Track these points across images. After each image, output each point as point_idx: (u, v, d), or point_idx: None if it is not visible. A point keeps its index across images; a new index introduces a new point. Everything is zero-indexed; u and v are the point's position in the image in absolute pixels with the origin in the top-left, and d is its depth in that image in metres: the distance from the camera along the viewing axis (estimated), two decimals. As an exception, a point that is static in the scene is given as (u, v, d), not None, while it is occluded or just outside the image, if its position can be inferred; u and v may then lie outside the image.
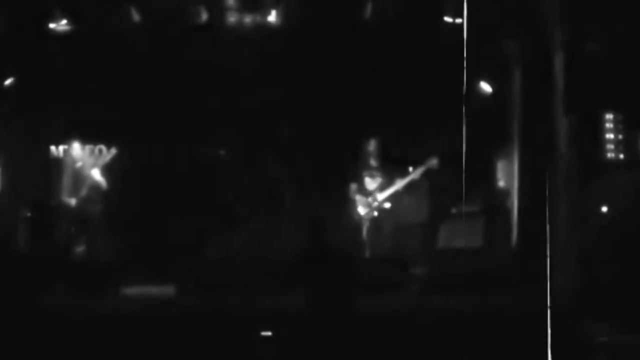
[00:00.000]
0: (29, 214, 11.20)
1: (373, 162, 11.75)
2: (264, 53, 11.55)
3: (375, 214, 11.61)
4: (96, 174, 11.60)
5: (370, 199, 11.64)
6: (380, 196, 11.65)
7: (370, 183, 11.70)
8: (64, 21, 11.02)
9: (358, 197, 11.67)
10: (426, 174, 11.65)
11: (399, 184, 11.68)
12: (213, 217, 11.72)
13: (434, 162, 11.59)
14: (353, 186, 11.69)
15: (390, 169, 11.75)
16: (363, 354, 8.65)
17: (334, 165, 11.90)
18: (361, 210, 11.64)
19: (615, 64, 10.33)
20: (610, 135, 10.56)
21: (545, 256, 10.65)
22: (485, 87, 11.67)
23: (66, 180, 11.47)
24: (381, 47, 11.34)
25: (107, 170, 11.67)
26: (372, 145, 11.74)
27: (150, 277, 10.78)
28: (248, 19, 11.11)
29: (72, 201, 11.38)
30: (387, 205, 11.65)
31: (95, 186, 11.50)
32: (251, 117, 12.15)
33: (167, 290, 10.58)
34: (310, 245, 8.95)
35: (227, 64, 11.64)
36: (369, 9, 11.16)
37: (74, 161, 11.65)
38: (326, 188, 11.74)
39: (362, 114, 11.92)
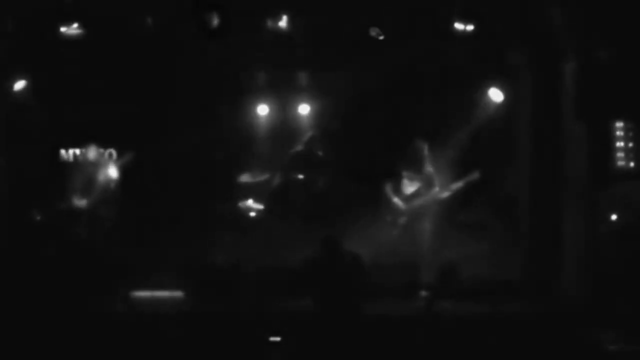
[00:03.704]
0: (39, 217, 11.23)
1: (414, 166, 11.38)
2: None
3: (404, 219, 11.34)
4: (108, 177, 11.59)
5: (405, 204, 11.36)
6: (417, 201, 11.37)
7: (409, 186, 11.43)
8: (76, 25, 10.99)
9: (394, 200, 11.35)
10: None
11: (442, 191, 11.34)
12: (225, 222, 11.76)
13: (477, 175, 11.22)
14: (389, 188, 11.39)
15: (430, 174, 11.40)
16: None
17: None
18: (393, 213, 11.36)
19: (625, 73, 10.36)
20: (620, 144, 10.58)
21: (555, 264, 10.70)
22: (497, 95, 11.66)
23: (78, 183, 11.46)
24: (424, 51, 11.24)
25: (118, 173, 11.65)
26: (415, 148, 11.36)
27: (161, 281, 10.82)
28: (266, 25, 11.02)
29: (84, 204, 11.36)
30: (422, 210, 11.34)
31: (106, 189, 11.50)
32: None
33: (176, 294, 10.64)
34: (321, 250, 8.94)
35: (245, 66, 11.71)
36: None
37: (85, 164, 11.64)
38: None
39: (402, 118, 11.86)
